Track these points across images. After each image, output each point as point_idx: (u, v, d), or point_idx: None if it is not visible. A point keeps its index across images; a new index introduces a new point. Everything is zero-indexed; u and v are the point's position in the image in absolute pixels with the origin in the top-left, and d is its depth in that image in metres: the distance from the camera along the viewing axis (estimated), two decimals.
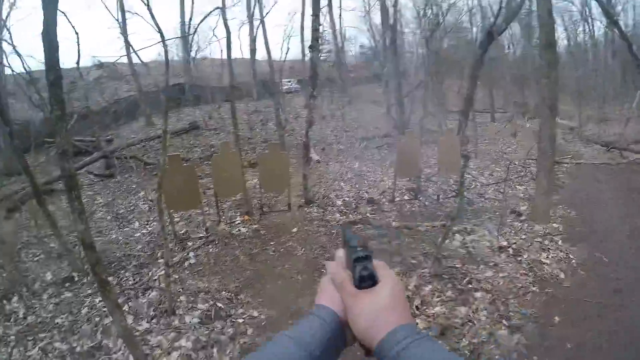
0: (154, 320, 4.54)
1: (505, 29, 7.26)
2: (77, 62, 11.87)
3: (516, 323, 4.20)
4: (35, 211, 7.21)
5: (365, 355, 0.67)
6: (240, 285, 5.28)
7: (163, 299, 4.81)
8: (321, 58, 24.27)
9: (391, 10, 15.72)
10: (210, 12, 10.73)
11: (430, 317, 4.27)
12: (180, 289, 5.13)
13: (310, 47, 7.80)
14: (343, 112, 16.99)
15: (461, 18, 23.99)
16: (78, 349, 4.23)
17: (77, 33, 13.73)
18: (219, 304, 4.77)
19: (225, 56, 8.40)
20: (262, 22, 13.15)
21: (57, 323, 4.76)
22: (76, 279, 5.72)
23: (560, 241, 6.12)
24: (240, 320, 4.54)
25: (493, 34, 6.69)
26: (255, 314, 4.67)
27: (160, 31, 5.34)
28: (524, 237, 6.19)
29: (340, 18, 27.02)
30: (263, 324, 4.50)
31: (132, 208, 8.83)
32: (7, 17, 9.80)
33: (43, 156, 12.79)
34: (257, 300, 4.95)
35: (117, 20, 15.66)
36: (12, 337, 4.65)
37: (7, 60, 10.10)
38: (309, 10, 7.94)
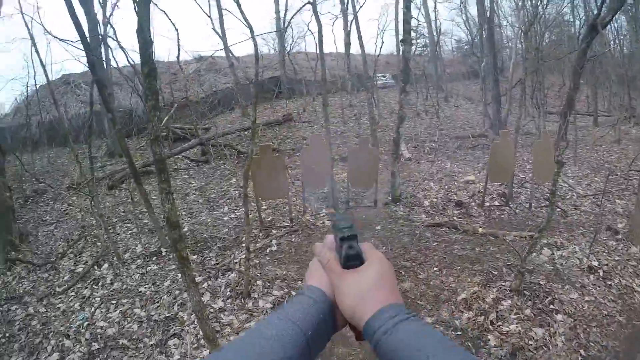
0: (229, 301, 4.61)
1: (609, 22, 6.30)
2: (177, 56, 12.67)
3: (595, 355, 3.67)
4: (132, 189, 7.77)
5: (356, 339, 0.66)
6: None
7: (240, 282, 4.86)
8: (416, 52, 23.60)
9: (488, 1, 14.65)
10: (301, 7, 10.75)
11: (504, 334, 3.86)
12: (259, 274, 5.14)
13: (402, 40, 7.43)
14: (437, 109, 16.20)
15: (563, 10, 21.60)
16: (155, 317, 4.41)
17: (177, 30, 14.76)
18: (294, 293, 4.69)
19: (318, 50, 8.39)
20: (355, 16, 12.94)
21: (140, 291, 5.03)
22: (163, 254, 6.02)
23: None
24: None
25: (597, 27, 5.82)
26: None
27: (250, 27, 5.40)
28: (617, 258, 5.31)
29: (435, 10, 25.41)
30: None
31: (223, 193, 9.13)
32: (110, 16, 10.75)
33: (143, 141, 13.90)
34: None
35: (209, 17, 16.43)
36: (97, 299, 5.01)
37: (112, 54, 11.12)
38: (402, 3, 7.57)
